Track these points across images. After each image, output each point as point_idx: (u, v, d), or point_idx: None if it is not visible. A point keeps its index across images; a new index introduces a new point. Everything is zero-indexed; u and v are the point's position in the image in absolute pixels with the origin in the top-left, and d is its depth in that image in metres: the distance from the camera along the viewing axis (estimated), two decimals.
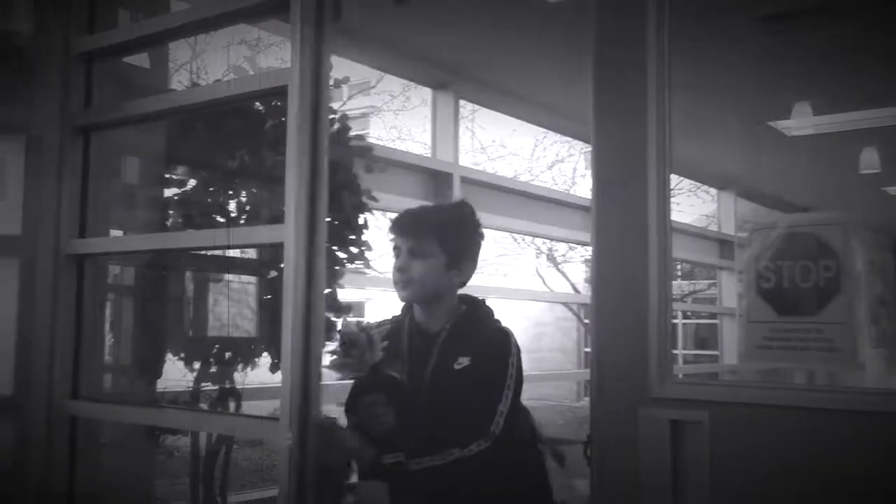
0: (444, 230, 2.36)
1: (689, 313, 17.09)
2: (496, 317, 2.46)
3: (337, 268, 4.09)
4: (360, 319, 2.46)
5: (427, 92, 7.08)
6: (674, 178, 4.05)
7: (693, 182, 12.64)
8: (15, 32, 2.93)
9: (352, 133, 4.35)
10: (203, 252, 4.05)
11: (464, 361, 2.27)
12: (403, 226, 2.39)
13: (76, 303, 2.88)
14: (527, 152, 16.58)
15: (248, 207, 4.13)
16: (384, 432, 2.22)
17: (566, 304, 19.00)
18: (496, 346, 2.32)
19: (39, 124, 2.88)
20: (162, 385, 3.81)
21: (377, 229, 4.14)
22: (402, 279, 2.35)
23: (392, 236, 2.40)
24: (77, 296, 2.88)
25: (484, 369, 2.26)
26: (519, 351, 2.32)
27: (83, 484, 2.84)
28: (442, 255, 2.34)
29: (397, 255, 2.38)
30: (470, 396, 2.22)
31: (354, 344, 2.24)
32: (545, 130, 12.38)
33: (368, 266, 4.76)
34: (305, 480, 2.18)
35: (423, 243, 2.34)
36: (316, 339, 2.74)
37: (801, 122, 6.80)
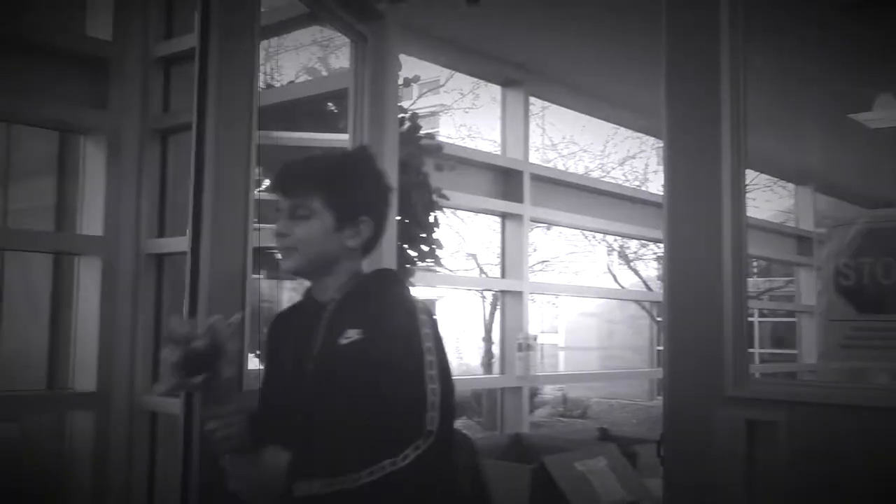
0: (330, 183, 1.88)
1: (765, 311, 16.71)
2: (411, 292, 1.95)
3: (407, 266, 4.11)
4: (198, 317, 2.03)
5: (497, 89, 7.07)
6: (749, 174, 3.97)
7: (770, 177, 12.35)
8: (96, 40, 3.02)
9: (422, 132, 4.38)
10: (274, 251, 4.11)
11: (352, 335, 1.79)
12: (283, 182, 1.92)
13: (156, 301, 2.96)
14: (597, 149, 16.42)
15: None
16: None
17: (638, 302, 18.76)
18: (398, 318, 1.81)
19: (120, 128, 2.96)
20: None
21: (448, 227, 4.15)
22: (283, 246, 1.89)
23: (275, 196, 1.95)
24: (156, 294, 2.97)
25: (382, 346, 1.76)
26: (437, 331, 1.81)
27: (163, 478, 2.91)
28: (328, 214, 1.87)
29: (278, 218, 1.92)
30: (363, 380, 1.74)
31: (183, 347, 1.71)
32: (616, 126, 12.23)
33: (439, 264, 4.78)
34: None
35: (305, 201, 1.87)
36: None
37: (883, 114, 6.59)
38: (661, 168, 2.16)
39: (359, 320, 1.81)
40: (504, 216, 6.52)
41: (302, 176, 1.91)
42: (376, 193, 1.94)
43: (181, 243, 3.02)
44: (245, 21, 2.26)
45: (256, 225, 2.30)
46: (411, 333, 1.77)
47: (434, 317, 1.83)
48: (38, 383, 3.10)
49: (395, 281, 1.97)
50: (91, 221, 2.97)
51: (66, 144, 3.17)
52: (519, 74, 6.67)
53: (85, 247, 2.98)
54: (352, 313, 1.84)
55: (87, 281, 2.95)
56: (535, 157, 12.41)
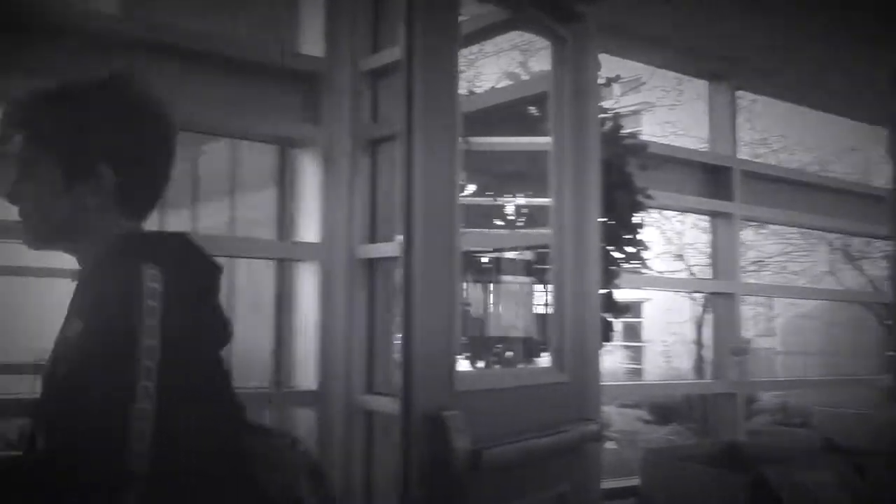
0: (53, 122, 1.39)
1: None
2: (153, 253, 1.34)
3: (612, 268, 4.05)
4: None
5: (701, 85, 6.82)
6: None
7: None
8: (309, 56, 3.19)
9: (624, 131, 4.30)
10: (481, 254, 4.18)
11: (75, 327, 1.29)
12: (7, 126, 1.43)
13: (368, 304, 3.08)
14: (813, 142, 15.48)
15: (524, 210, 4.20)
16: None
17: (864, 304, 17.49)
18: (102, 298, 1.29)
19: (332, 140, 3.11)
20: None
21: (654, 228, 4.06)
22: (19, 214, 1.43)
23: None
24: (369, 297, 3.09)
25: (81, 344, 1.25)
26: (168, 305, 1.25)
27: (380, 476, 3.02)
28: (54, 164, 1.38)
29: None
30: (63, 398, 1.25)
31: None
32: (834, 116, 11.49)
33: (645, 266, 4.67)
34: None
35: (29, 151, 1.40)
36: (591, 339, 2.75)
37: None
38: (887, 160, 2.00)
39: (83, 305, 1.34)
40: (713, 215, 6.27)
41: (26, 117, 1.42)
42: (119, 131, 1.41)
43: (392, 248, 3.14)
44: (447, 30, 2.30)
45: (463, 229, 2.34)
46: (124, 313, 1.23)
47: (160, 288, 1.26)
48: (264, 381, 3.32)
49: (129, 244, 1.40)
50: (308, 229, 3.14)
51: (284, 157, 3.37)
52: (724, 68, 6.41)
53: (303, 253, 3.15)
54: (79, 296, 1.38)
55: (306, 285, 3.12)
56: (744, 153, 11.87)
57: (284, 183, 3.34)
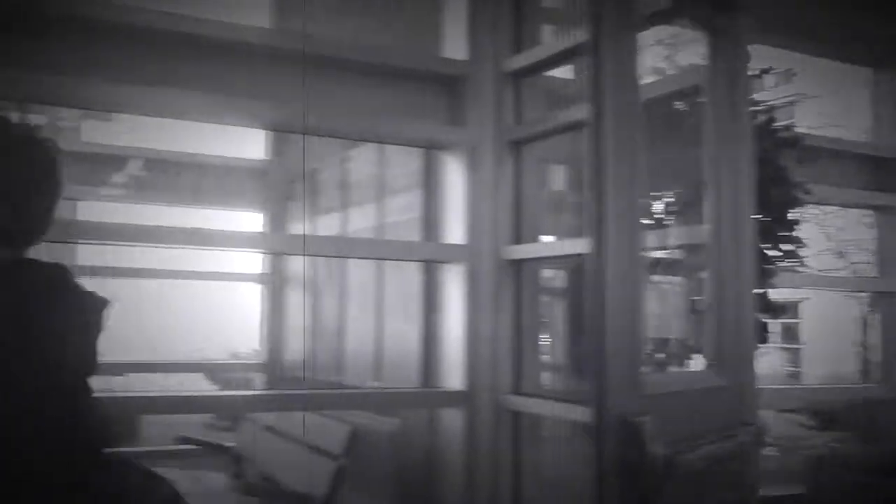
0: None
1: None
2: None
3: (768, 267, 3.89)
4: None
5: (862, 72, 6.46)
6: None
7: None
8: (453, 60, 3.22)
9: (778, 124, 4.12)
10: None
11: None
12: None
13: (514, 304, 3.08)
14: None
15: (674, 208, 4.09)
16: None
17: None
18: None
19: (476, 141, 3.13)
20: None
21: (812, 224, 3.88)
22: None
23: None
24: (515, 298, 3.08)
25: None
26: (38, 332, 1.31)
27: (527, 477, 3.02)
28: None
29: None
30: None
31: None
32: None
33: (803, 264, 4.46)
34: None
35: None
36: (747, 341, 2.64)
37: None
38: None
39: None
40: (878, 209, 5.93)
41: None
42: None
43: (535, 249, 3.12)
44: (629, 14, 2.23)
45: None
46: None
47: None
48: (413, 382, 3.37)
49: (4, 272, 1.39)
50: (454, 231, 3.17)
51: (430, 160, 3.42)
52: (890, 55, 6.03)
53: (450, 255, 3.18)
54: None
55: (452, 287, 3.15)
56: None
57: (430, 186, 3.39)
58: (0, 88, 2.47)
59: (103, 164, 5.60)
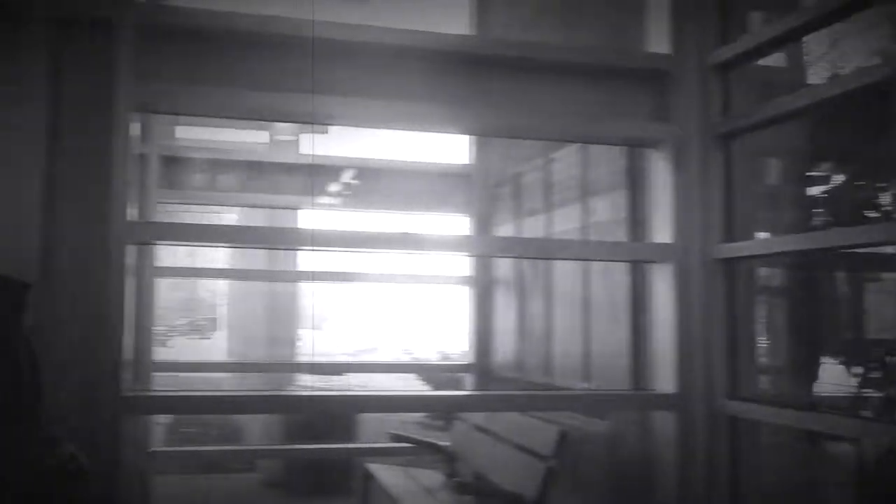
0: None
1: None
2: None
3: None
4: None
5: None
6: None
7: None
8: (657, 55, 3.15)
9: None
10: (856, 250, 3.84)
11: None
12: None
13: (728, 305, 2.96)
14: None
15: None
16: None
17: None
18: None
19: (682, 137, 3.04)
20: (820, 388, 3.70)
21: None
22: None
23: None
24: (728, 298, 2.97)
25: None
26: None
27: (745, 484, 2.89)
28: None
29: None
30: None
31: None
32: None
33: None
34: None
35: None
36: None
37: None
38: None
39: None
40: None
41: None
42: None
43: (749, 247, 2.99)
44: None
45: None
46: None
47: None
48: (622, 384, 3.33)
49: None
50: (661, 230, 3.09)
51: (634, 158, 3.36)
52: None
53: (658, 254, 3.11)
54: None
55: (661, 287, 3.07)
56: None
57: (635, 184, 3.33)
58: (234, 107, 2.69)
59: (319, 175, 5.90)
